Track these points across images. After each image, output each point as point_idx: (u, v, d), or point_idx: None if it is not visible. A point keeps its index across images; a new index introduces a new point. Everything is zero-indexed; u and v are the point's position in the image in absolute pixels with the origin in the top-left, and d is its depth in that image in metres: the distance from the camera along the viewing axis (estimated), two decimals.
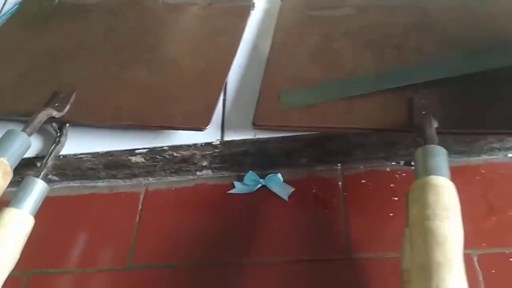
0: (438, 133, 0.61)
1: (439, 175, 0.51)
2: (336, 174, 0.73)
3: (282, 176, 0.73)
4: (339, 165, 0.73)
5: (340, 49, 0.75)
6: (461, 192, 0.66)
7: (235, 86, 0.76)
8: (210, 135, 0.70)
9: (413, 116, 0.63)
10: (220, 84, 0.72)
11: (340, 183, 0.72)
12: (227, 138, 0.70)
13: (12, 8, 0.97)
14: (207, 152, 0.71)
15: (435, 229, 0.45)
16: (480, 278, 0.60)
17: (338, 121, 0.66)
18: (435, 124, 0.61)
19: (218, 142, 0.69)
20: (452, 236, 0.45)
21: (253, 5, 0.87)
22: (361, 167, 0.73)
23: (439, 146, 0.55)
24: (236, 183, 0.73)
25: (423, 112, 0.63)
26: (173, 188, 0.75)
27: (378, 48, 0.74)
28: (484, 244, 0.63)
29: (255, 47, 0.81)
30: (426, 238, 0.45)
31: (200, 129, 0.67)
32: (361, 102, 0.67)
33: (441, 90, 0.67)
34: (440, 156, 0.53)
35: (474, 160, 0.71)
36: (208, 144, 0.70)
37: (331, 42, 0.76)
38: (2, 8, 0.99)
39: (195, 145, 0.70)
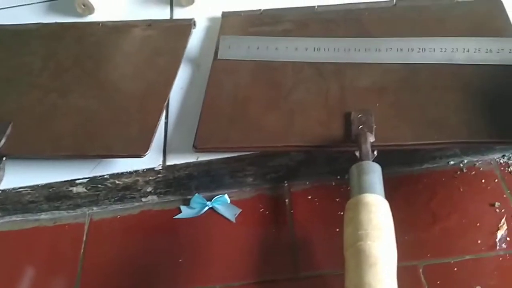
0: (374, 147, 0.61)
1: (372, 192, 0.51)
2: (283, 192, 0.72)
3: (230, 197, 0.72)
4: (285, 182, 0.73)
5: (279, 66, 0.75)
6: (405, 203, 0.67)
7: (178, 108, 0.75)
8: (151, 160, 0.68)
9: (351, 131, 0.63)
10: (159, 107, 0.71)
11: (287, 200, 0.71)
12: (170, 162, 0.69)
13: None
14: (150, 178, 0.70)
15: (367, 250, 0.45)
16: None
17: (278, 140, 0.65)
18: (371, 139, 0.62)
19: (160, 167, 0.68)
20: (383, 256, 0.45)
21: (194, 24, 0.86)
22: (307, 182, 0.72)
23: (372, 163, 0.55)
24: (182, 207, 0.72)
25: (360, 127, 0.63)
26: (118, 217, 0.73)
27: (316, 64, 0.74)
28: (429, 255, 0.63)
29: (197, 67, 0.81)
30: (358, 259, 0.45)
31: (139, 156, 0.65)
32: (300, 119, 0.67)
33: (378, 102, 0.67)
34: (373, 173, 0.54)
35: (417, 169, 0.71)
36: (150, 170, 0.69)
37: (271, 61, 0.76)
38: None
39: (136, 171, 0.68)
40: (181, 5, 0.92)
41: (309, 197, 0.71)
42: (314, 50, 0.74)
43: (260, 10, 0.86)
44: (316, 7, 0.84)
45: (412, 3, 0.81)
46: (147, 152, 0.65)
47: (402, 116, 0.65)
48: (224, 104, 0.70)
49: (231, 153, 0.67)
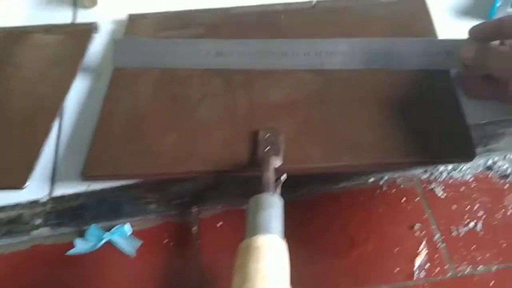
0: (281, 171, 0.55)
1: (266, 233, 0.45)
2: (191, 218, 0.65)
3: (132, 226, 0.65)
4: (194, 207, 0.66)
5: (185, 77, 0.67)
6: (321, 226, 0.62)
7: (72, 126, 0.67)
8: (36, 190, 0.61)
9: (257, 153, 0.57)
10: (45, 128, 0.63)
11: (194, 228, 0.64)
12: (57, 192, 0.61)
13: None
14: (37, 211, 0.61)
15: None
16: None
17: (176, 166, 0.58)
18: (277, 163, 0.55)
19: (46, 199, 0.60)
20: None
21: (96, 28, 0.77)
22: (219, 207, 0.66)
23: (272, 196, 0.49)
24: (77, 241, 0.64)
25: (266, 148, 0.57)
26: (5, 253, 0.65)
27: (226, 74, 0.67)
28: (343, 286, 0.58)
29: (98, 76, 0.72)
30: None
31: (17, 188, 0.57)
32: (203, 141, 0.60)
33: (290, 118, 0.61)
34: (271, 208, 0.47)
35: (334, 188, 0.66)
36: (35, 202, 0.60)
37: (176, 69, 0.68)
38: None
39: (18, 204, 0.60)
40: (85, 6, 0.83)
41: (219, 224, 0.65)
42: (217, 55, 0.67)
43: (170, 12, 0.78)
44: (230, 9, 0.76)
45: (332, 5, 0.75)
46: (26, 183, 0.57)
47: (313, 134, 0.59)
48: (119, 124, 0.63)
49: (126, 181, 0.60)
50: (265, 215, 0.46)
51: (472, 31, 0.60)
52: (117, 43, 0.71)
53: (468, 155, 0.56)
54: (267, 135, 0.59)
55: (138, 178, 0.59)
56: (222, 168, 0.58)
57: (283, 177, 0.56)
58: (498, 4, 0.72)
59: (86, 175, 0.59)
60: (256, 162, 0.57)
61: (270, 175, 0.52)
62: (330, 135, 0.59)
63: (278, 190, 0.54)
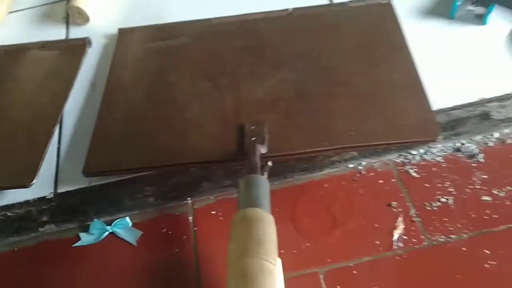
0: (266, 158, 0.61)
1: (255, 206, 0.50)
2: (186, 209, 0.71)
3: (132, 219, 0.70)
4: (189, 199, 0.71)
5: (175, 82, 0.74)
6: (306, 210, 0.67)
7: (71, 131, 0.72)
8: (42, 189, 0.66)
9: (243, 143, 0.63)
10: (47, 133, 0.68)
11: (190, 217, 0.70)
12: (61, 189, 0.66)
13: None
14: (43, 207, 0.66)
15: (244, 267, 0.44)
16: None
17: (171, 158, 0.64)
18: (263, 150, 0.61)
19: (52, 196, 0.65)
20: (262, 271, 0.44)
21: (89, 42, 0.83)
22: (211, 197, 0.71)
23: (259, 176, 0.54)
24: (81, 234, 0.69)
25: (252, 139, 0.63)
26: (15, 249, 0.69)
27: (213, 77, 0.73)
28: (329, 260, 0.63)
29: (93, 87, 0.78)
30: (236, 277, 0.44)
31: (25, 186, 0.62)
32: (195, 135, 0.66)
33: (272, 113, 0.67)
34: (258, 186, 0.53)
35: (318, 175, 0.72)
36: (42, 199, 0.65)
37: (166, 75, 0.75)
38: None
39: (27, 202, 0.65)
40: (77, 24, 0.89)
41: (213, 212, 0.70)
42: None
43: (157, 25, 0.84)
44: (212, 19, 0.83)
45: (306, 11, 0.82)
46: (33, 181, 0.62)
47: (294, 125, 0.65)
48: (117, 125, 0.68)
49: (125, 175, 0.65)
50: (255, 191, 0.52)
51: None
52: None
53: (434, 134, 0.62)
54: (252, 127, 0.64)
55: (136, 172, 0.64)
56: (213, 158, 0.63)
57: (269, 163, 0.62)
58: (458, 3, 0.79)
59: (87, 172, 0.64)
60: (243, 151, 0.62)
61: (257, 159, 0.57)
62: (309, 124, 0.65)
63: (266, 175, 0.59)
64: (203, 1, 0.88)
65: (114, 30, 0.86)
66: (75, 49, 0.82)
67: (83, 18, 0.88)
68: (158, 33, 0.82)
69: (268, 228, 0.48)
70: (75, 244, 0.68)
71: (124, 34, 0.83)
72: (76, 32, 0.89)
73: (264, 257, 0.45)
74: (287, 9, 0.82)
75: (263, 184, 0.53)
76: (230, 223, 0.51)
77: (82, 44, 0.82)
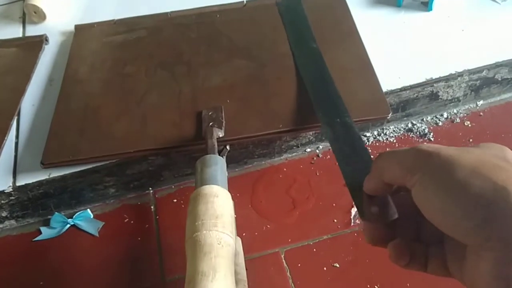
0: (224, 142, 0.62)
1: (211, 184, 0.51)
2: (148, 199, 0.71)
3: (93, 211, 0.70)
4: (150, 189, 0.72)
5: (132, 73, 0.74)
6: (267, 194, 0.69)
7: (29, 125, 0.72)
8: (0, 183, 0.65)
9: (202, 128, 0.64)
10: (4, 127, 0.67)
11: (152, 207, 0.70)
12: (20, 182, 0.65)
13: None
14: (2, 202, 0.66)
15: (202, 240, 0.45)
16: (288, 274, 0.61)
17: (130, 146, 0.64)
18: (220, 134, 0.62)
19: (10, 189, 0.65)
20: (219, 244, 0.45)
21: (46, 40, 0.83)
22: (173, 186, 0.72)
23: (215, 155, 0.56)
24: (42, 229, 0.69)
25: (210, 124, 0.64)
26: None
27: (170, 67, 0.74)
28: (289, 240, 0.65)
29: (51, 82, 0.78)
30: (194, 250, 0.45)
31: None
32: (153, 123, 0.67)
33: (229, 99, 0.68)
34: (215, 165, 0.54)
35: (277, 160, 0.74)
36: (1, 193, 0.65)
37: (123, 67, 0.75)
38: None
39: None
40: (34, 22, 0.89)
41: (175, 201, 0.71)
42: None
43: (113, 20, 0.85)
44: (169, 13, 0.84)
45: (260, 3, 0.84)
46: None
47: (250, 109, 0.67)
48: (74, 116, 0.68)
49: (84, 166, 0.65)
50: (211, 170, 0.53)
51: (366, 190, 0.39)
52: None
53: (384, 112, 0.64)
54: (210, 113, 0.66)
55: (95, 161, 0.65)
56: (172, 144, 0.64)
57: (227, 147, 0.63)
58: None
59: (46, 163, 0.64)
60: (201, 136, 0.64)
61: (214, 141, 0.59)
62: (264, 108, 0.67)
63: (224, 158, 0.60)
64: None
65: (71, 27, 0.86)
66: (32, 46, 0.81)
67: (40, 16, 0.88)
68: (115, 27, 0.83)
69: (224, 203, 0.50)
70: (36, 239, 0.68)
71: (80, 30, 0.83)
72: (33, 30, 0.88)
73: (221, 230, 0.46)
74: (242, 1, 0.84)
75: (220, 162, 0.55)
76: (188, 201, 0.52)
77: (39, 41, 0.82)
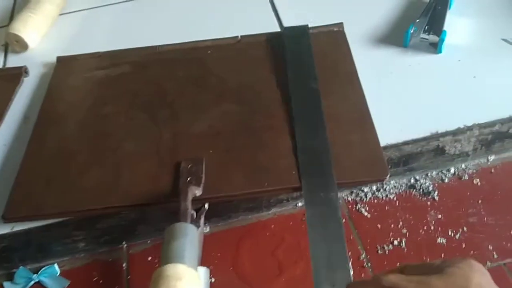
0: (201, 200, 0.56)
1: (176, 262, 0.45)
2: (121, 254, 0.65)
3: (61, 266, 0.64)
4: (124, 242, 0.66)
5: (111, 114, 0.69)
6: (251, 254, 0.62)
7: None
8: None
9: (178, 183, 0.58)
10: None
11: (124, 264, 0.64)
12: None
13: None
14: None
15: None
16: None
17: (98, 202, 0.59)
18: (197, 192, 0.56)
19: None
20: None
21: (26, 71, 0.78)
22: (148, 241, 0.66)
23: (185, 224, 0.49)
24: (5, 284, 0.63)
25: (188, 179, 0.58)
26: None
27: (152, 109, 0.68)
28: None
29: (26, 120, 0.73)
30: None
31: None
32: (127, 175, 0.61)
33: (212, 149, 0.62)
34: (183, 237, 0.48)
35: (265, 215, 0.67)
36: None
37: (102, 107, 0.70)
38: None
39: None
40: (16, 52, 0.84)
41: (149, 259, 0.64)
42: None
43: (99, 52, 0.79)
44: (157, 47, 0.78)
45: (256, 39, 0.78)
46: None
47: (234, 162, 0.61)
48: (44, 162, 0.63)
49: (50, 220, 0.59)
50: (178, 244, 0.47)
51: None
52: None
53: (381, 174, 0.58)
54: (189, 166, 0.59)
55: (61, 216, 0.59)
56: (145, 201, 0.58)
57: (206, 206, 0.57)
58: (411, 31, 0.76)
59: (7, 218, 0.58)
60: (177, 192, 0.58)
61: (187, 204, 0.53)
62: (251, 161, 0.60)
63: (202, 219, 0.54)
64: (150, 28, 0.84)
65: (54, 58, 0.81)
66: (10, 78, 0.77)
67: (22, 45, 0.83)
68: (98, 61, 0.77)
69: (189, 287, 0.43)
70: None
71: (62, 62, 0.78)
72: (15, 60, 0.84)
73: None
74: (236, 37, 0.78)
75: (190, 233, 0.48)
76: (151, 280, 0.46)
77: (18, 74, 0.77)
